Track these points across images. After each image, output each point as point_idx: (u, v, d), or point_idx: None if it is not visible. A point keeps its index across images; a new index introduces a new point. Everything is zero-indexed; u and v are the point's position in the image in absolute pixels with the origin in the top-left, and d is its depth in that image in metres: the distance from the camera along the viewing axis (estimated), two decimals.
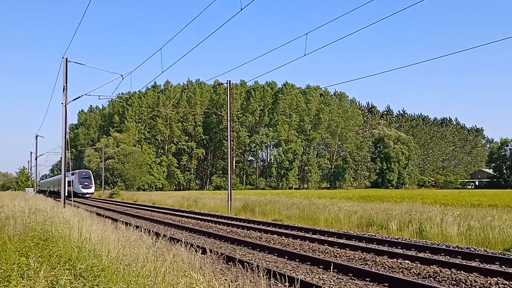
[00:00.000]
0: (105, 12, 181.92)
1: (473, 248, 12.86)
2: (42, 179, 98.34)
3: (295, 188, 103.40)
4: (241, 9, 14.07)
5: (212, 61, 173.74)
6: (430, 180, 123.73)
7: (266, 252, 12.33)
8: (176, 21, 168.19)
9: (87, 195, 59.38)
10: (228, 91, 30.56)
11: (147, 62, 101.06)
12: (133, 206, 39.16)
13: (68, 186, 58.99)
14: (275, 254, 11.89)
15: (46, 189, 78.32)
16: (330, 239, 14.69)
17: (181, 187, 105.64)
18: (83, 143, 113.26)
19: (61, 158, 26.48)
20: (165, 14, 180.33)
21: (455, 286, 8.34)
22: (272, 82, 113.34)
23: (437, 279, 8.80)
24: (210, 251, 9.19)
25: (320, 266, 10.06)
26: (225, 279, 6.49)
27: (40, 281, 5.48)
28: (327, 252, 12.08)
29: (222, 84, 33.65)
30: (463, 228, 15.00)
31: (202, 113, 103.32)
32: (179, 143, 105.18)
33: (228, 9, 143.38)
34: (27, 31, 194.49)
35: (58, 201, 24.66)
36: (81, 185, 58.78)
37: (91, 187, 60.34)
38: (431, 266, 9.81)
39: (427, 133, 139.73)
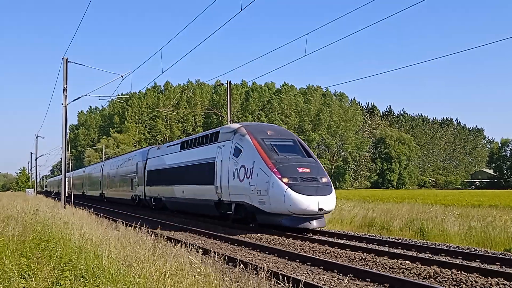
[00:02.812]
0: (105, 12, 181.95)
1: (474, 248, 12.84)
2: (49, 178, 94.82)
3: None
4: (241, 10, 14.10)
5: (212, 62, 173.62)
6: (430, 181, 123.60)
7: (267, 252, 12.33)
8: (176, 22, 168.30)
9: (318, 220, 15.05)
10: (228, 92, 30.55)
11: (147, 62, 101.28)
12: None
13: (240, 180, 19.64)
14: (276, 254, 11.89)
15: (58, 190, 61.16)
16: (330, 239, 14.67)
17: None
18: (83, 144, 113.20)
19: (61, 158, 26.52)
20: (165, 14, 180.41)
21: (456, 287, 8.33)
22: (271, 82, 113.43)
23: (437, 280, 8.79)
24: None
25: (321, 267, 10.06)
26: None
27: (40, 281, 5.48)
28: (328, 253, 12.07)
29: (223, 84, 33.60)
30: (463, 228, 15.00)
31: (202, 113, 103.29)
32: None
33: (228, 9, 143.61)
34: (27, 32, 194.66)
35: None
36: (292, 182, 14.33)
37: (328, 188, 15.01)
38: (431, 267, 9.80)
39: (427, 133, 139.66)
